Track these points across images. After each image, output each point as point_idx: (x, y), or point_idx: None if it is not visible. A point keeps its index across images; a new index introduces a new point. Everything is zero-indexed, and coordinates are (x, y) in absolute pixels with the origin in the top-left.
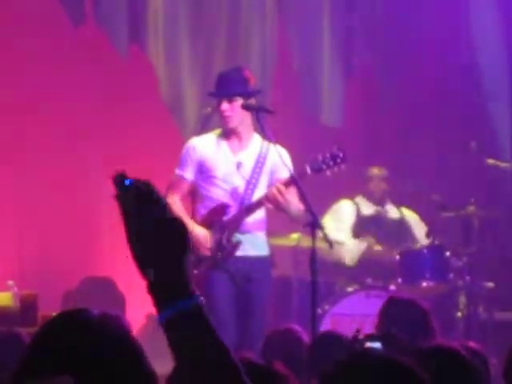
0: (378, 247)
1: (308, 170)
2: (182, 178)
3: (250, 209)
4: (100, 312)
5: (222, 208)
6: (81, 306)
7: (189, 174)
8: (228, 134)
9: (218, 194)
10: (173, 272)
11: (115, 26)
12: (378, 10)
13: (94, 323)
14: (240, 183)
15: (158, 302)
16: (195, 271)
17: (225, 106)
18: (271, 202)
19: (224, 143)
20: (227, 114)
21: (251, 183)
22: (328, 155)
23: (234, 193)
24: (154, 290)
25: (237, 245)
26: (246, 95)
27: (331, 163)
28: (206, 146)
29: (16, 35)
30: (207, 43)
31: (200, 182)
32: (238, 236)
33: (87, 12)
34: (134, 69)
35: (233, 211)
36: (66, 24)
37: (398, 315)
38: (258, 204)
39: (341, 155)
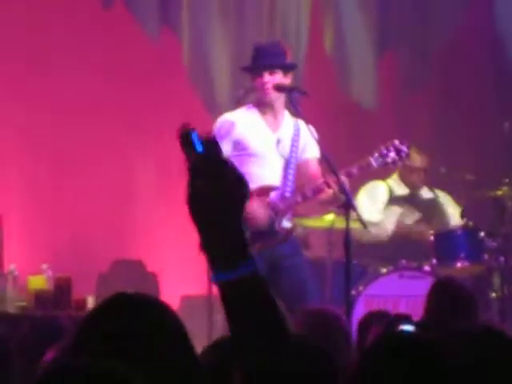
0: (408, 219)
1: (373, 163)
2: None
3: (306, 196)
4: (149, 296)
5: (269, 189)
6: (115, 289)
7: (226, 149)
8: (264, 109)
9: (255, 172)
10: (233, 233)
11: (144, 8)
12: None
13: (148, 308)
14: (278, 161)
15: (215, 262)
16: None
17: (267, 77)
18: (333, 188)
19: (260, 119)
20: (269, 85)
21: (291, 162)
22: (392, 149)
23: (272, 171)
24: (211, 250)
25: (291, 230)
26: (288, 68)
27: (396, 157)
28: (243, 121)
29: (45, 21)
30: (238, 21)
31: (235, 159)
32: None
33: None
34: (165, 51)
35: (276, 193)
36: (95, 6)
37: (445, 301)
38: (316, 191)
39: (405, 149)
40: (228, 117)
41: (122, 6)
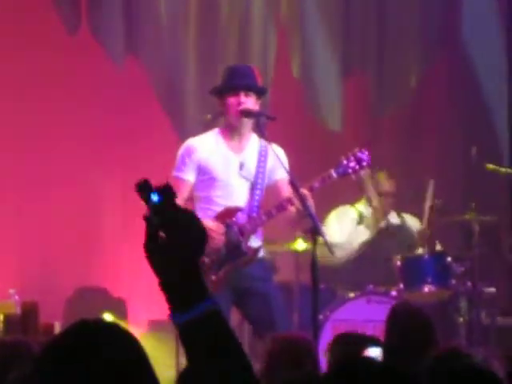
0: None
1: (334, 174)
2: (182, 181)
3: (271, 214)
4: (105, 322)
5: (235, 211)
6: (81, 314)
7: (190, 176)
8: (230, 132)
9: (219, 195)
10: (189, 274)
11: (111, 35)
12: (371, 12)
13: (104, 335)
14: (242, 184)
15: (173, 304)
16: (213, 276)
17: (243, 98)
18: (295, 205)
19: (223, 143)
20: (240, 108)
21: (257, 183)
22: (352, 158)
23: (236, 194)
24: (168, 291)
25: (257, 249)
26: (262, 92)
27: (357, 167)
28: (205, 146)
29: (11, 47)
30: (207, 45)
31: (199, 184)
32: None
33: (82, 21)
34: (131, 79)
35: (242, 214)
36: (60, 33)
37: (402, 327)
38: (280, 208)
39: (365, 157)
40: (190, 142)
41: (88, 32)
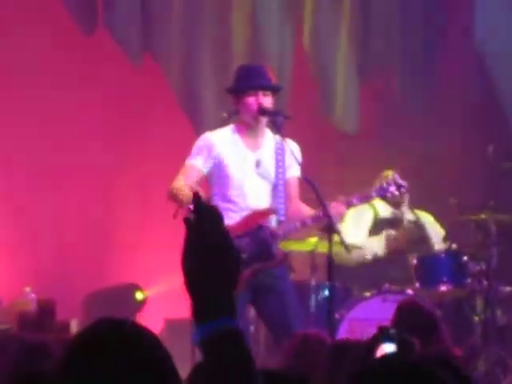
0: (396, 241)
1: (373, 194)
2: (195, 169)
3: (305, 223)
4: (130, 321)
5: (267, 213)
6: (98, 313)
7: (203, 167)
8: (245, 130)
9: (235, 194)
10: (220, 298)
11: (128, 34)
12: (392, 13)
13: (130, 334)
14: (258, 182)
15: (198, 319)
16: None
17: (261, 97)
18: (333, 218)
19: (239, 140)
20: (264, 105)
21: (278, 184)
22: (393, 183)
23: (252, 193)
24: (197, 310)
25: (287, 254)
26: (278, 90)
27: (396, 192)
28: (223, 142)
29: (25, 47)
30: (223, 44)
31: (216, 181)
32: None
33: (99, 21)
34: (148, 77)
35: (263, 215)
36: (77, 33)
37: (405, 324)
38: (316, 219)
39: (404, 184)
40: (209, 135)
41: (104, 32)
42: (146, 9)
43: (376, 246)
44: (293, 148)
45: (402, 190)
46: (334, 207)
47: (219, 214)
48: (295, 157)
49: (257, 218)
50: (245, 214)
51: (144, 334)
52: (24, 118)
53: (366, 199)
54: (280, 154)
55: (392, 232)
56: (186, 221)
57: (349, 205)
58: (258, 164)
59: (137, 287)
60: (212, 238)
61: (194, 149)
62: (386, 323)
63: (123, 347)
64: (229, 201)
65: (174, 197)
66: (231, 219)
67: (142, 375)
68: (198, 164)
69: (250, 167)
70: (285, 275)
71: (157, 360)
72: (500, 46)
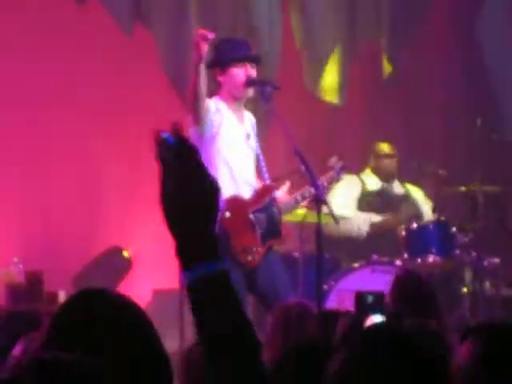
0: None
1: (325, 183)
2: (208, 105)
3: (298, 202)
4: (113, 292)
5: (271, 189)
6: (86, 282)
7: (212, 112)
8: (232, 102)
9: (234, 163)
10: (202, 232)
11: (118, 3)
12: None
13: (107, 305)
14: (248, 154)
15: (185, 262)
16: (260, 249)
17: (252, 70)
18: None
19: (228, 111)
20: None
21: (260, 155)
22: (338, 169)
23: (247, 165)
24: (181, 249)
25: (287, 233)
26: (259, 62)
27: (341, 176)
28: (219, 111)
29: (15, 8)
30: (213, 20)
31: (214, 143)
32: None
33: None
34: (139, 46)
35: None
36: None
37: (405, 294)
38: (303, 198)
39: (342, 166)
40: (213, 101)
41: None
42: None
43: (362, 223)
44: (251, 119)
45: (344, 172)
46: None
47: (193, 145)
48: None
49: (266, 193)
50: (241, 183)
51: (122, 304)
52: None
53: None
54: (253, 126)
55: (388, 217)
56: (161, 157)
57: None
58: (248, 137)
59: (121, 248)
60: (189, 169)
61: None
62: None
63: (103, 317)
64: (228, 168)
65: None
66: (228, 187)
67: (119, 344)
68: (210, 106)
69: (242, 139)
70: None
71: (137, 326)
72: (489, 19)
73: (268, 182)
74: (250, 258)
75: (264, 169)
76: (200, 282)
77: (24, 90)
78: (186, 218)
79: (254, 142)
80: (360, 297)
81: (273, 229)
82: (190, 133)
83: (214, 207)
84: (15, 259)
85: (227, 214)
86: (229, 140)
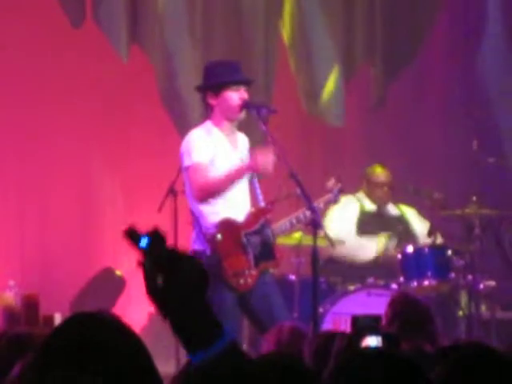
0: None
1: (322, 205)
2: (200, 164)
3: (293, 224)
4: (102, 315)
5: (265, 211)
6: (82, 305)
7: (205, 159)
8: (226, 126)
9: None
10: (198, 312)
11: (115, 27)
12: (377, 11)
13: (101, 328)
14: (244, 179)
15: (189, 345)
16: (253, 271)
17: (245, 93)
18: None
19: (222, 136)
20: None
21: (254, 176)
22: (335, 191)
23: (240, 190)
24: (181, 333)
25: (280, 256)
26: (251, 85)
27: (338, 198)
28: (211, 140)
29: (13, 35)
30: (207, 42)
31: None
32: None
33: (87, 13)
34: (135, 70)
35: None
36: (65, 24)
37: (401, 315)
38: (298, 220)
39: (340, 189)
40: (200, 133)
41: (92, 24)
42: (135, 2)
43: (369, 248)
44: (245, 141)
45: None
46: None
47: (161, 234)
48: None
49: (259, 216)
50: (235, 207)
51: (116, 328)
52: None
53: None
54: (247, 148)
55: (392, 243)
56: (141, 263)
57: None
58: (241, 161)
59: (113, 269)
60: (156, 258)
61: (187, 150)
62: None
63: (91, 342)
64: (219, 198)
65: (208, 195)
66: (219, 214)
67: (113, 366)
68: (200, 159)
69: (235, 165)
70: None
71: (130, 354)
72: (486, 42)
73: (262, 204)
74: (242, 281)
75: (258, 191)
76: (204, 364)
77: (20, 117)
78: (177, 309)
79: None
80: (356, 320)
81: (266, 251)
82: (181, 161)
83: (201, 285)
84: (11, 282)
85: (219, 237)
86: (222, 169)
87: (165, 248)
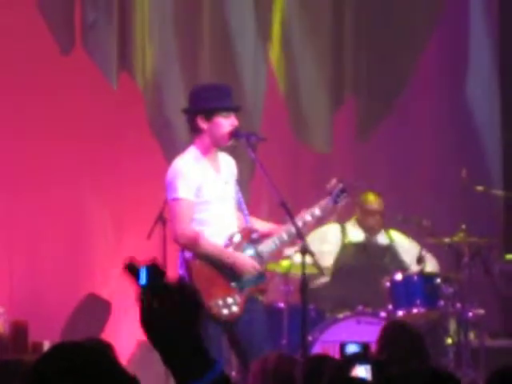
0: None
1: (318, 212)
2: (186, 201)
3: (283, 239)
4: (86, 345)
5: (249, 232)
6: (70, 332)
7: (191, 195)
8: (210, 152)
9: (213, 217)
10: (190, 347)
11: (104, 54)
12: (363, 36)
13: (82, 360)
14: (229, 202)
15: (178, 377)
16: (239, 298)
17: (236, 120)
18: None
19: (207, 163)
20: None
21: (240, 197)
22: (336, 192)
23: (227, 214)
24: (171, 365)
25: (272, 275)
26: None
27: (340, 200)
28: (197, 168)
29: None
30: (196, 68)
31: (196, 207)
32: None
33: (76, 39)
34: (124, 97)
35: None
36: (54, 51)
37: (392, 340)
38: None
39: (342, 189)
40: (182, 164)
41: (82, 50)
42: (124, 29)
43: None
44: (230, 162)
45: (345, 194)
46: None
47: (159, 267)
48: (233, 171)
49: (245, 239)
50: (220, 234)
51: (98, 359)
52: None
53: (325, 207)
54: (232, 170)
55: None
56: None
57: (313, 217)
58: (226, 185)
59: (96, 294)
60: (155, 296)
61: (172, 183)
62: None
63: (71, 373)
64: (207, 224)
65: (190, 248)
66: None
67: None
68: (186, 195)
69: (220, 190)
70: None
71: (118, 381)
72: (474, 69)
73: (248, 224)
74: (225, 311)
75: (245, 212)
76: None
77: (8, 143)
78: (169, 338)
79: (232, 187)
80: (344, 346)
81: (255, 275)
82: (166, 191)
83: (195, 320)
84: (0, 309)
85: (197, 263)
86: (209, 197)
87: (162, 281)
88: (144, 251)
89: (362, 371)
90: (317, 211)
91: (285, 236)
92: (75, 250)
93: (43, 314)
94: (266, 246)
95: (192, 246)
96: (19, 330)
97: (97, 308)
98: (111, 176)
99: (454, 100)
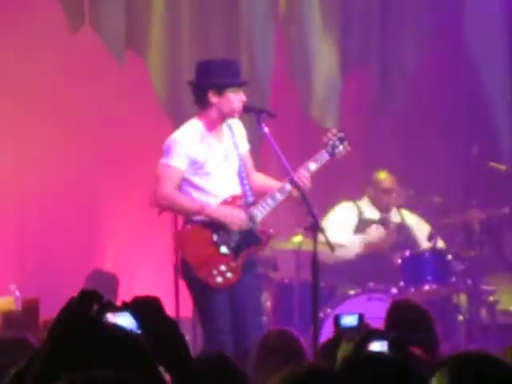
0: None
1: (326, 154)
2: (176, 169)
3: (276, 198)
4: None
5: (238, 198)
6: None
7: (183, 166)
8: (215, 124)
9: (211, 187)
10: None
11: (112, 31)
12: (373, 10)
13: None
14: (229, 170)
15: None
16: (233, 264)
17: (244, 96)
18: (299, 187)
19: (208, 134)
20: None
21: (242, 167)
22: (335, 139)
23: (227, 182)
24: None
25: (271, 235)
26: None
27: (341, 147)
28: (194, 140)
29: (12, 45)
30: (206, 47)
31: (192, 176)
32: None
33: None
34: (131, 74)
35: (242, 201)
36: (64, 28)
37: (403, 320)
38: (283, 191)
39: (341, 138)
40: (179, 136)
41: (90, 28)
42: (130, 7)
43: (358, 248)
44: (237, 125)
45: (345, 143)
46: (298, 180)
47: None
48: (242, 133)
49: (231, 203)
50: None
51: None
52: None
53: (321, 159)
54: (233, 137)
55: (376, 233)
56: None
57: (309, 171)
58: (226, 155)
59: (101, 269)
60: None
61: (168, 149)
62: (371, 322)
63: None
64: (203, 191)
65: (167, 207)
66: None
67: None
68: (177, 164)
69: (220, 160)
70: (252, 270)
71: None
72: (487, 46)
73: (249, 191)
74: (219, 279)
75: (245, 181)
76: None
77: (17, 127)
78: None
79: (233, 156)
80: (339, 318)
81: (247, 238)
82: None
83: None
84: (12, 287)
85: (185, 251)
86: (214, 171)
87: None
88: (156, 227)
89: (377, 347)
90: (312, 165)
91: (278, 195)
92: (87, 227)
93: (54, 290)
94: (258, 208)
95: (169, 203)
96: (30, 308)
97: (107, 284)
98: (122, 152)
99: (468, 76)
